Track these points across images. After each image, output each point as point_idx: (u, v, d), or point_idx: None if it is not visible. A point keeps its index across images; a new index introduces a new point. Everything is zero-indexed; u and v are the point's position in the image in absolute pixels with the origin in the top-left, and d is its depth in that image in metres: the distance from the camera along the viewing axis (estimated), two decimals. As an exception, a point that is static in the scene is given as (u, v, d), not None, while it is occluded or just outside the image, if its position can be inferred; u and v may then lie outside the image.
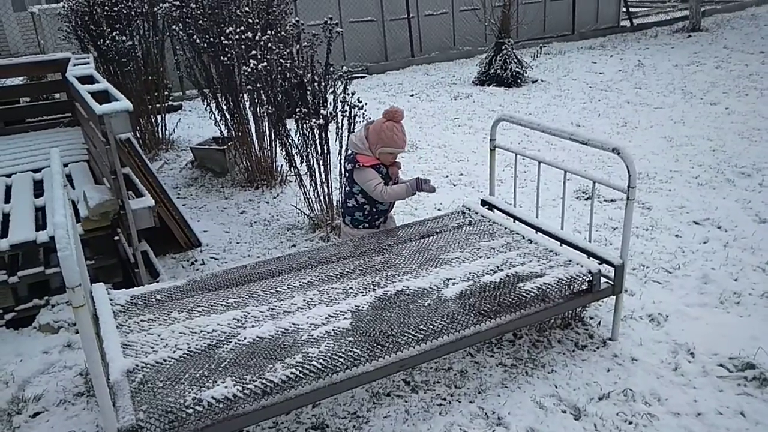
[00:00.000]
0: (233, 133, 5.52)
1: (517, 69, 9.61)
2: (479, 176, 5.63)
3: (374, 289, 2.82)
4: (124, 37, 5.76)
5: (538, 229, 3.45)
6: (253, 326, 2.56)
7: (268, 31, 4.26)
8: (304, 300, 2.75)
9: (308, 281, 2.95)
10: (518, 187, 5.19)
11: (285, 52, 4.04)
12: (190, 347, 2.42)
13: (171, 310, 2.72)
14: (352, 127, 3.94)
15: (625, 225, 2.93)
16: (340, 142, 4.07)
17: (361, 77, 11.48)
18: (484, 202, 3.84)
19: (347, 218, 3.48)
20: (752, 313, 3.33)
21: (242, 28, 4.33)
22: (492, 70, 9.67)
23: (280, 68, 4.10)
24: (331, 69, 4.01)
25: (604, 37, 14.50)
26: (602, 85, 9.34)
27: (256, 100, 4.60)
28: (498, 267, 2.99)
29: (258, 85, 4.25)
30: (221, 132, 5.57)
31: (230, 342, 2.45)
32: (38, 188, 4.22)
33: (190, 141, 6.99)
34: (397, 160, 3.37)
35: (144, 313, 2.70)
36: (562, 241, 3.28)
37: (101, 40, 5.79)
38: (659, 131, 6.79)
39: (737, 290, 3.57)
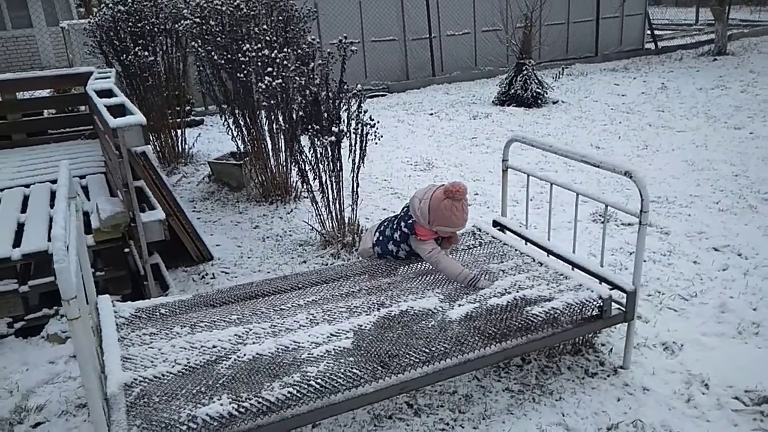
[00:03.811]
0: (250, 148, 5.56)
1: (537, 89, 9.56)
2: (494, 196, 5.58)
3: (378, 309, 2.79)
4: (146, 53, 5.87)
5: (549, 252, 3.39)
6: (254, 343, 2.54)
7: (285, 49, 4.30)
8: (307, 318, 2.73)
9: (312, 300, 2.92)
10: (534, 208, 5.13)
11: (300, 70, 4.06)
12: (189, 362, 2.41)
13: (174, 324, 2.71)
14: (364, 144, 3.94)
15: (637, 250, 2.86)
16: (353, 160, 4.07)
17: (382, 95, 11.53)
18: (495, 223, 3.79)
19: (377, 249, 3.33)
20: (771, 344, 3.22)
21: (259, 45, 4.37)
22: (512, 91, 9.64)
23: (295, 85, 4.12)
24: (345, 87, 4.01)
25: (627, 59, 14.39)
26: (624, 107, 9.24)
27: (272, 117, 4.63)
28: (506, 289, 2.94)
29: (273, 102, 4.28)
30: (238, 147, 5.61)
31: (230, 358, 2.43)
32: (55, 199, 4.28)
33: (209, 155, 7.07)
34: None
35: (147, 327, 2.70)
36: (574, 265, 3.21)
37: (125, 55, 5.90)
38: (681, 155, 6.67)
39: (756, 320, 3.45)
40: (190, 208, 5.59)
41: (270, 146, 5.14)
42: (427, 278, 3.12)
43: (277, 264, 4.42)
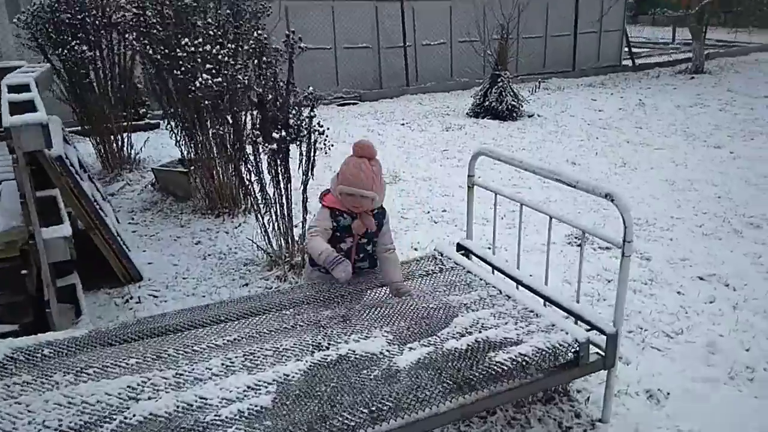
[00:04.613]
0: (198, 154, 5.04)
1: (512, 102, 9.21)
2: (464, 214, 5.13)
3: (312, 353, 2.30)
4: (84, 47, 5.32)
5: (519, 283, 2.94)
6: (149, 398, 2.03)
7: (230, 45, 3.82)
8: (223, 363, 2.23)
9: (234, 338, 2.42)
10: (505, 227, 4.70)
11: (245, 68, 3.58)
12: (61, 425, 1.89)
13: (56, 370, 2.19)
14: (312, 153, 3.46)
15: (619, 285, 2.43)
16: (304, 172, 3.59)
17: (354, 104, 11.09)
18: (460, 247, 3.34)
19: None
20: (769, 394, 2.81)
21: (200, 40, 3.88)
22: (487, 102, 9.27)
23: (239, 86, 3.63)
24: (294, 89, 3.54)
25: (605, 75, 14.20)
26: (601, 123, 8.93)
27: (216, 120, 4.13)
28: (467, 329, 2.48)
29: (211, 103, 3.79)
30: (182, 153, 5.09)
31: (113, 419, 1.92)
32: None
33: (159, 162, 6.51)
34: (369, 211, 2.65)
35: (21, 374, 2.17)
36: (546, 299, 2.77)
37: (60, 49, 5.35)
38: (660, 173, 6.33)
39: (750, 363, 3.05)
40: (127, 220, 5.04)
41: (215, 153, 4.62)
42: (377, 311, 2.64)
43: (215, 287, 3.90)
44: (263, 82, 3.57)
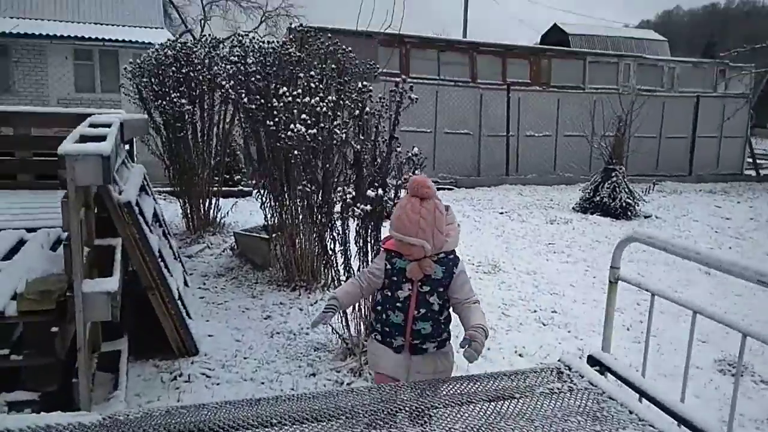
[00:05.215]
0: (283, 218, 4.58)
1: (627, 199, 8.34)
2: (579, 318, 4.30)
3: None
4: (184, 101, 5.16)
5: (682, 422, 2.09)
6: None
7: (329, 97, 3.39)
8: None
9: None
10: (632, 341, 3.81)
11: (343, 124, 3.11)
12: None
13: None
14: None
15: None
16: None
17: (448, 189, 10.60)
18: (593, 361, 2.53)
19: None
20: None
21: (299, 91, 3.49)
22: (598, 198, 8.45)
23: (335, 141, 3.15)
24: (398, 146, 3.00)
25: (725, 183, 13.03)
26: (731, 231, 7.84)
27: (303, 175, 3.65)
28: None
29: (303, 155, 3.32)
30: (266, 217, 4.66)
31: None
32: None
33: (244, 227, 6.17)
34: (427, 256, 2.18)
35: (-5, 469, 1.58)
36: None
37: (160, 101, 5.22)
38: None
39: None
40: (198, 284, 4.59)
41: (300, 218, 4.13)
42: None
43: (278, 373, 3.26)
44: (362, 138, 3.06)
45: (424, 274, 2.21)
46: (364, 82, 3.27)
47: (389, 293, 2.26)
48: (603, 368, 2.49)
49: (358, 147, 3.07)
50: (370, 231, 3.00)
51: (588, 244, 6.65)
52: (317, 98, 3.38)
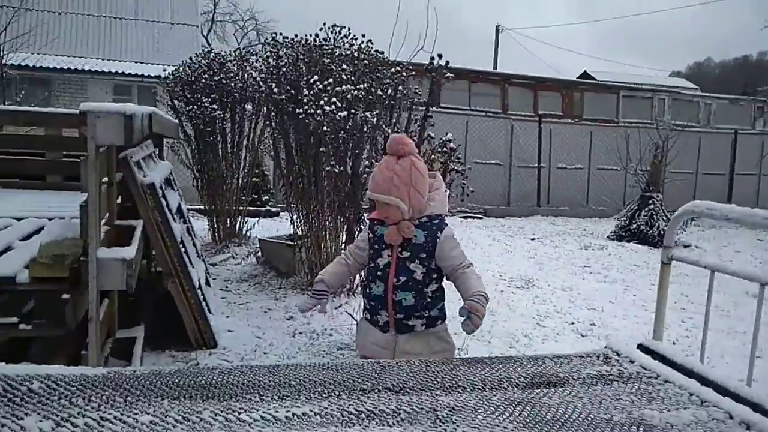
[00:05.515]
0: (309, 222, 4.46)
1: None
2: (619, 330, 4.03)
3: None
4: (214, 106, 5.16)
5: (751, 405, 1.84)
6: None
7: (360, 85, 3.30)
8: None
9: (303, 412, 1.56)
10: (682, 333, 3.54)
11: (373, 105, 3.00)
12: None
13: (33, 411, 1.44)
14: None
15: None
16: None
17: (477, 218, 10.40)
18: (644, 349, 2.30)
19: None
20: None
21: (330, 80, 3.41)
22: (634, 225, 8.17)
23: (365, 126, 3.04)
24: (430, 133, 2.87)
25: (766, 219, 12.52)
26: (778, 262, 7.46)
27: (332, 158, 3.52)
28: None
29: (332, 137, 3.21)
30: (292, 223, 4.54)
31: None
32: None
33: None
34: (406, 218, 2.04)
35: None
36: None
37: (192, 106, 5.23)
38: None
39: None
40: (219, 287, 4.46)
41: (328, 217, 3.99)
42: (525, 411, 1.66)
43: (299, 367, 3.07)
44: (393, 121, 2.94)
45: (403, 239, 2.04)
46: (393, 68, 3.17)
47: (372, 263, 2.12)
48: (655, 356, 2.26)
49: (389, 131, 2.94)
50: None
51: (626, 268, 6.36)
52: (348, 86, 3.30)
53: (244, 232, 6.17)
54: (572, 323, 4.17)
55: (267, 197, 8.76)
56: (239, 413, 1.52)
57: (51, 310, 2.43)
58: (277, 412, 1.54)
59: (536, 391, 1.86)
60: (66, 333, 2.45)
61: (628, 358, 2.18)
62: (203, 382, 1.71)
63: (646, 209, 8.18)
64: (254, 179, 7.00)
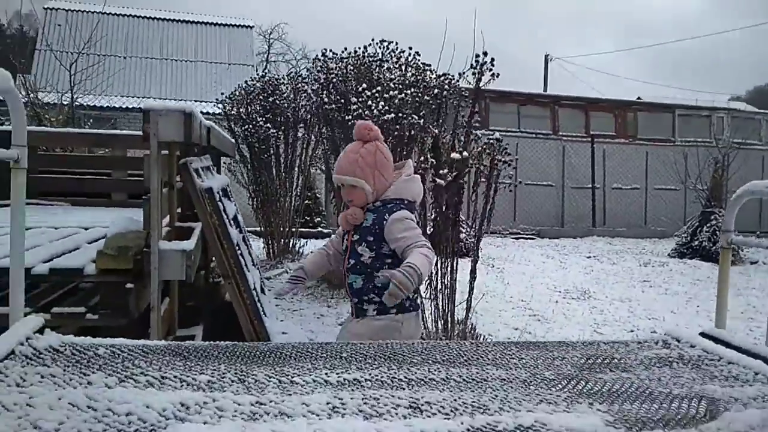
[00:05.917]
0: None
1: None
2: (682, 337, 3.86)
3: (471, 414, 1.37)
4: (269, 125, 5.35)
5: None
6: (204, 423, 1.24)
7: (406, 91, 3.38)
8: (329, 403, 1.38)
9: (355, 378, 1.58)
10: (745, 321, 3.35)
11: (418, 107, 3.06)
12: (59, 429, 1.17)
13: (98, 370, 1.52)
14: (492, 194, 2.69)
15: None
16: (475, 219, 2.82)
17: (530, 239, 10.24)
18: (707, 337, 2.22)
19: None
20: None
21: (378, 88, 3.50)
22: (696, 242, 7.87)
23: (412, 128, 3.10)
24: (476, 132, 2.90)
25: (842, 239, 11.80)
26: None
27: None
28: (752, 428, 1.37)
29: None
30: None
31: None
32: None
33: (321, 258, 6.16)
34: (369, 201, 2.11)
35: (53, 365, 1.53)
36: None
37: (247, 126, 5.44)
38: None
39: None
40: (271, 297, 4.55)
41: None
42: (580, 384, 1.63)
43: (351, 367, 3.09)
44: (440, 122, 2.99)
45: (353, 224, 2.12)
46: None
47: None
48: (718, 343, 2.17)
49: (437, 131, 2.99)
50: (447, 207, 2.86)
51: (689, 282, 6.12)
52: (395, 92, 3.38)
53: (297, 248, 6.29)
54: (632, 331, 4.04)
55: (319, 219, 8.92)
56: (292, 377, 1.56)
57: (115, 300, 2.55)
58: (328, 377, 1.57)
59: (591, 369, 1.83)
60: (129, 323, 2.57)
61: (689, 343, 2.12)
62: (258, 352, 1.77)
63: (708, 225, 7.87)
64: (306, 202, 7.14)
